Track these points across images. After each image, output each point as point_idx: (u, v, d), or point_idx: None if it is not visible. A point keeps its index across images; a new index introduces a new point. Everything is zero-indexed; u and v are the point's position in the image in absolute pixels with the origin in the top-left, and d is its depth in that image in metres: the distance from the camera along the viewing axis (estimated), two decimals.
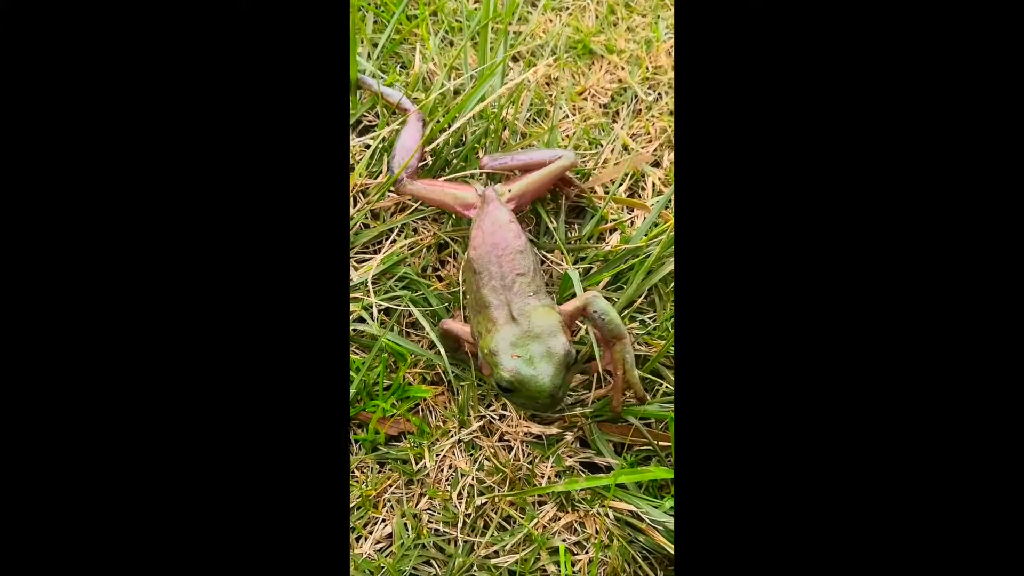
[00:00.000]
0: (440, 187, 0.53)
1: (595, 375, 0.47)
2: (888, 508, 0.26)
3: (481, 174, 0.56)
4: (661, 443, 0.44)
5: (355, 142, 0.58)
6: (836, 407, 0.27)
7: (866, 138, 0.28)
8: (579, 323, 0.49)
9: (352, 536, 0.43)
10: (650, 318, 0.50)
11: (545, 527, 0.42)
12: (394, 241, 0.54)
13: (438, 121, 0.57)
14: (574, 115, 0.64)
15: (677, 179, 0.41)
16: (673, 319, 0.48)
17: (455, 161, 0.57)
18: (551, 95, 0.66)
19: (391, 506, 0.44)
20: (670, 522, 0.40)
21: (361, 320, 0.49)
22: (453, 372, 0.47)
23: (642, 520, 0.41)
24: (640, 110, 0.65)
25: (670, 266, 0.49)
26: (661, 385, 0.46)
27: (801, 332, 0.27)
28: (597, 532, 0.42)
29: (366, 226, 0.54)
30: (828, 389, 0.27)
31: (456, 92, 0.62)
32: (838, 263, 0.27)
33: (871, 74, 0.28)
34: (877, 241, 0.27)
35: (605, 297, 0.47)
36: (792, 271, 0.28)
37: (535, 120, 0.64)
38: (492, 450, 0.45)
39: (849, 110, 0.28)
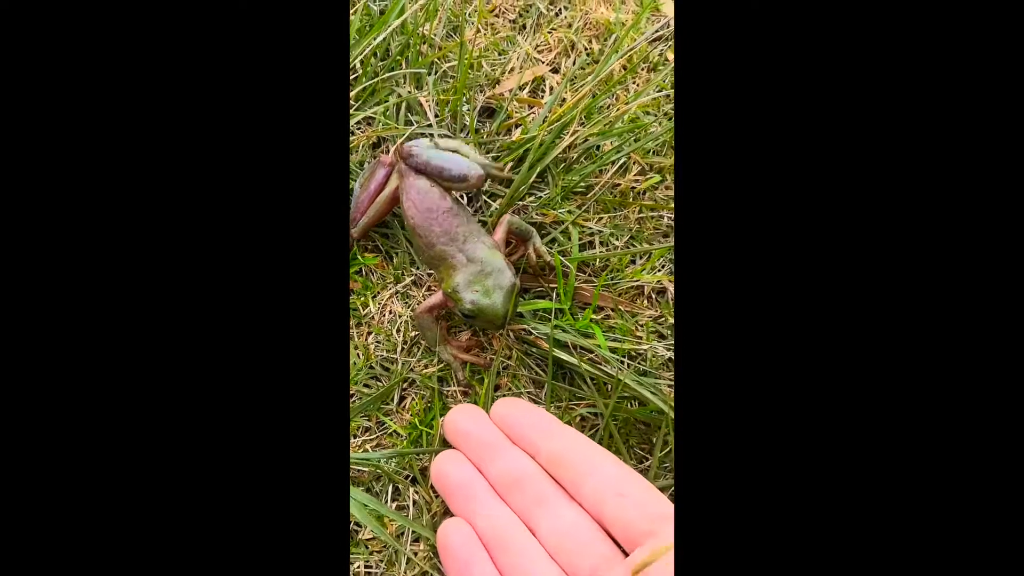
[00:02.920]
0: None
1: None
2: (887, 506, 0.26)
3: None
4: (550, 285, 0.57)
5: None
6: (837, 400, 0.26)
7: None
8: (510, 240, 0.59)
9: None
10: (543, 192, 0.62)
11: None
12: None
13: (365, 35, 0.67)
14: (485, 30, 0.74)
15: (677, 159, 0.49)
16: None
17: (381, 71, 0.68)
18: (466, 13, 0.75)
19: None
20: (555, 333, 0.54)
21: None
22: (388, 244, 0.59)
23: (531, 334, 0.55)
24: (541, 24, 0.75)
25: (556, 151, 0.62)
26: (552, 246, 0.59)
27: (799, 331, 0.27)
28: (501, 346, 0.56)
29: None
30: (829, 379, 0.26)
31: (381, 12, 0.71)
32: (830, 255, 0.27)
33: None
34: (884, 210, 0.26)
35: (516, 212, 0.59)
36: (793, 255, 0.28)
37: (451, 36, 0.74)
38: (422, 298, 0.58)
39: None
